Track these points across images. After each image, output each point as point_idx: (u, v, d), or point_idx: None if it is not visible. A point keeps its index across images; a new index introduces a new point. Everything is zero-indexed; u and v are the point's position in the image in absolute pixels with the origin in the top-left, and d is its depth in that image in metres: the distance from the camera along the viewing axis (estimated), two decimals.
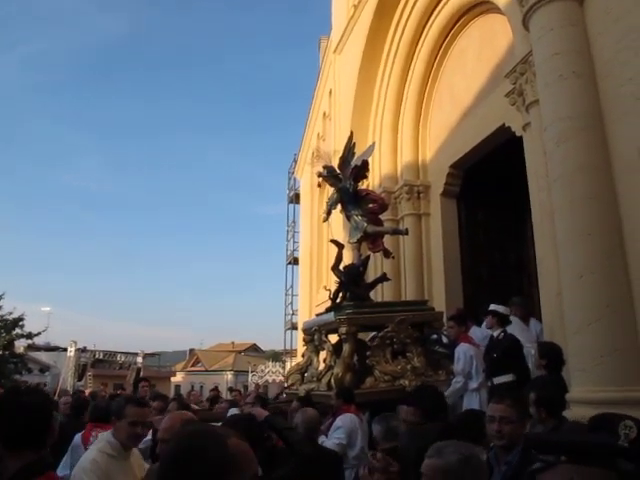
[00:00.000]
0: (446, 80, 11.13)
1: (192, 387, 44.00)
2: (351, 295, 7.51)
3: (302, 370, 7.95)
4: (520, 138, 7.73)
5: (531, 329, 7.19)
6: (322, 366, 7.43)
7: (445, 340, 7.35)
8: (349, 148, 7.95)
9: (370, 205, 8.06)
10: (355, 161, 7.86)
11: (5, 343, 25.62)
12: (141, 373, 29.09)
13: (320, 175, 8.26)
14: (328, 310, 7.58)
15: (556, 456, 1.49)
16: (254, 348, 61.20)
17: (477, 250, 10.77)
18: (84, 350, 32.52)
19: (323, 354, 7.60)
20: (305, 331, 8.23)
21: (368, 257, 8.21)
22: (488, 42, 9.50)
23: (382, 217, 11.44)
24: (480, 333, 7.31)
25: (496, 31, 9.19)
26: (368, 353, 6.90)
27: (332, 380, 6.55)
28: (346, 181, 7.78)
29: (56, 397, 13.05)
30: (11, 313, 26.70)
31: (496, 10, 8.79)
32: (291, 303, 21.04)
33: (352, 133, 8.39)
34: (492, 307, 6.54)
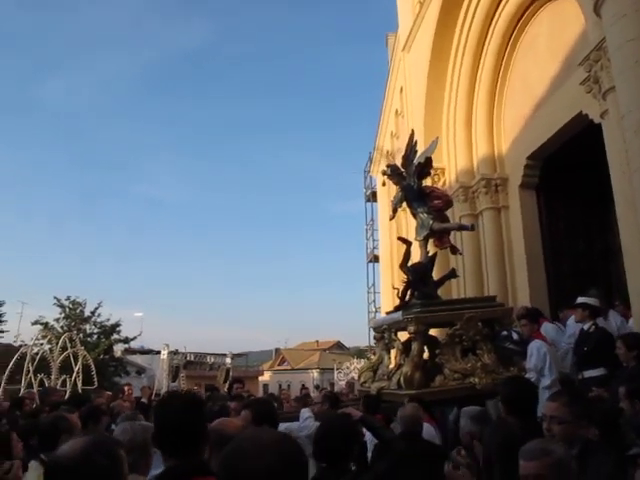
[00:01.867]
0: (518, 71, 10.95)
1: (280, 386, 44.99)
2: (419, 293, 7.40)
3: (374, 368, 7.93)
4: (599, 125, 7.55)
5: (610, 322, 6.95)
6: (393, 364, 7.46)
7: (515, 336, 7.20)
8: (411, 146, 7.94)
9: (435, 202, 7.91)
10: (418, 158, 7.82)
11: (105, 348, 27.22)
12: (230, 373, 30.03)
13: (384, 174, 8.32)
14: (397, 309, 7.57)
15: None
16: (338, 345, 61.66)
17: (560, 241, 10.54)
18: (176, 352, 34.01)
19: (394, 352, 7.61)
20: (375, 329, 8.23)
21: (435, 254, 8.09)
22: (559, 29, 9.29)
23: (460, 212, 11.51)
24: (552, 329, 7.22)
25: (567, 18, 8.97)
26: (437, 351, 6.91)
27: (401, 379, 6.50)
28: (410, 179, 7.76)
29: (152, 397, 13.84)
30: (108, 319, 28.42)
31: None
32: (374, 301, 21.19)
33: (413, 131, 8.32)
34: (581, 300, 6.44)
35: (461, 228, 8.98)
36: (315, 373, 50.55)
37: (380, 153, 19.52)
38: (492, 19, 11.02)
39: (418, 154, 7.89)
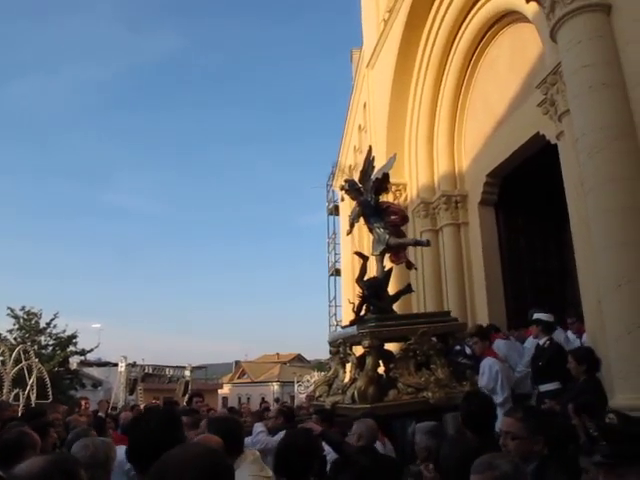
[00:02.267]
0: (479, 90, 11.22)
1: (239, 399, 44.55)
2: (374, 308, 7.44)
3: (329, 382, 7.94)
4: (556, 146, 7.78)
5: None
6: (347, 378, 7.44)
7: (468, 351, 7.35)
8: (369, 161, 8.03)
9: (392, 217, 8.00)
10: (376, 174, 7.90)
11: (60, 360, 26.52)
12: (189, 386, 29.59)
13: (342, 189, 8.37)
14: (352, 323, 7.60)
15: None
16: (299, 358, 61.49)
17: (518, 257, 10.80)
18: (134, 365, 33.33)
19: (349, 366, 7.62)
20: (331, 344, 8.20)
21: (391, 269, 8.15)
22: (519, 51, 9.57)
23: (421, 227, 11.68)
24: (504, 346, 7.35)
25: (526, 40, 9.25)
26: (392, 365, 6.91)
27: (355, 393, 6.51)
28: (367, 194, 7.81)
29: (109, 411, 13.54)
30: (64, 331, 27.71)
31: (526, 19, 8.88)
32: (335, 314, 21.25)
33: (370, 147, 8.44)
34: (536, 316, 6.61)
35: (417, 244, 9.06)
36: (275, 386, 50.26)
37: (342, 168, 19.68)
38: (454, 40, 11.29)
39: (376, 170, 7.99)
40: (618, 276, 5.14)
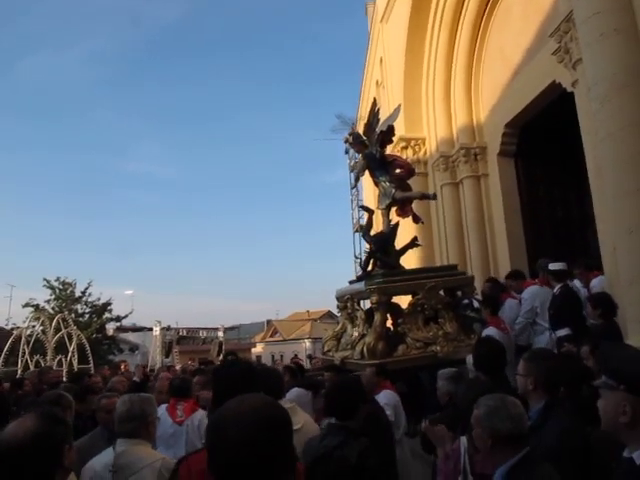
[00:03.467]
0: (494, 40, 11.09)
1: (272, 357, 45.57)
2: (381, 263, 7.36)
3: (338, 336, 7.91)
4: (573, 94, 7.74)
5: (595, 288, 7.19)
6: (356, 333, 7.36)
7: (476, 304, 7.28)
8: (374, 114, 7.84)
9: (397, 171, 7.88)
10: (380, 126, 7.72)
11: (97, 327, 27.51)
12: (223, 346, 30.42)
13: (346, 141, 8.07)
14: (359, 279, 7.52)
15: (618, 383, 1.82)
16: (329, 315, 62.07)
17: (538, 207, 10.83)
18: (168, 329, 34.32)
19: (357, 321, 7.53)
20: (338, 299, 8.09)
21: (397, 224, 8.02)
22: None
23: (440, 181, 11.75)
24: (509, 309, 7.14)
25: None
26: (400, 320, 6.91)
27: (364, 349, 6.50)
28: (372, 147, 7.66)
29: (148, 372, 14.16)
30: (99, 299, 28.67)
31: None
32: (358, 270, 21.50)
33: (375, 100, 8.27)
34: (550, 266, 6.75)
35: (424, 197, 8.89)
36: (307, 343, 51.15)
37: (345, 120, 19.61)
38: None
39: (381, 122, 7.81)
40: (630, 223, 5.23)
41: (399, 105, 8.74)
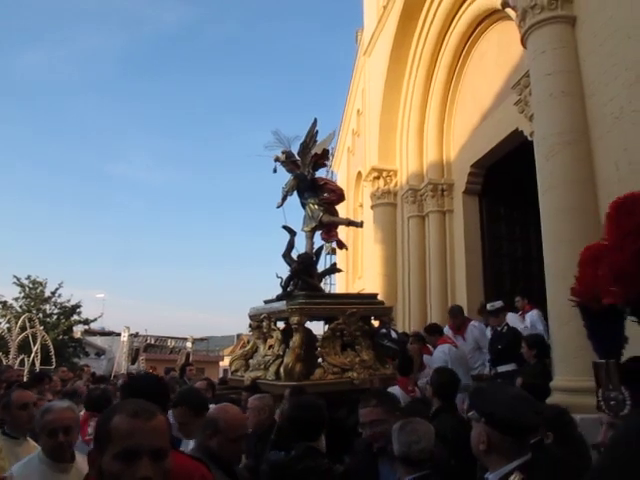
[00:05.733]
0: (468, 83, 11.64)
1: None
2: (303, 284, 7.21)
3: (246, 356, 7.76)
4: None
5: (526, 320, 7.70)
6: (269, 354, 7.22)
7: (394, 335, 7.44)
8: (312, 135, 7.72)
9: (326, 195, 7.88)
10: (316, 148, 7.71)
11: (65, 328, 27.31)
12: (190, 357, 30.42)
13: (277, 160, 7.81)
14: (279, 298, 7.35)
15: (480, 416, 2.18)
16: None
17: (499, 244, 11.31)
18: (136, 335, 34.25)
19: (270, 342, 7.41)
20: (252, 317, 7.89)
21: (321, 247, 8.03)
22: (505, 48, 9.96)
23: (408, 213, 12.20)
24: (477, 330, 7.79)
25: (512, 38, 9.56)
26: (318, 344, 6.85)
27: (281, 369, 6.46)
28: (305, 168, 7.63)
29: (112, 379, 14.29)
30: (69, 300, 28.48)
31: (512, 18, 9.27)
32: (329, 291, 21.86)
33: (315, 120, 7.96)
34: (488, 307, 7.23)
35: (350, 223, 8.90)
36: None
37: (343, 149, 20.14)
38: (446, 32, 11.67)
39: (317, 145, 7.79)
40: (564, 268, 5.65)
41: (333, 131, 8.82)
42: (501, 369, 7.00)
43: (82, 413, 4.47)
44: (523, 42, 6.84)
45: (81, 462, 2.83)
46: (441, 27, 11.73)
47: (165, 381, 3.99)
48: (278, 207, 7.83)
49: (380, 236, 13.18)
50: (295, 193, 7.80)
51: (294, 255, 7.57)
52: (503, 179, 11.00)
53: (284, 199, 7.75)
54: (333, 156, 21.47)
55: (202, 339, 43.41)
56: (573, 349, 5.48)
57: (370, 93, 14.48)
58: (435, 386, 4.49)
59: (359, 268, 17.76)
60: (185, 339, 37.93)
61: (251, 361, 7.51)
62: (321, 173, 21.90)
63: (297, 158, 7.71)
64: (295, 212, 8.08)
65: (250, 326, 7.99)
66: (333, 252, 21.57)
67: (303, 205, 7.82)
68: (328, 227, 7.85)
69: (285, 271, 7.59)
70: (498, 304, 7.41)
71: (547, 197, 6.05)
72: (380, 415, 3.23)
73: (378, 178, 13.15)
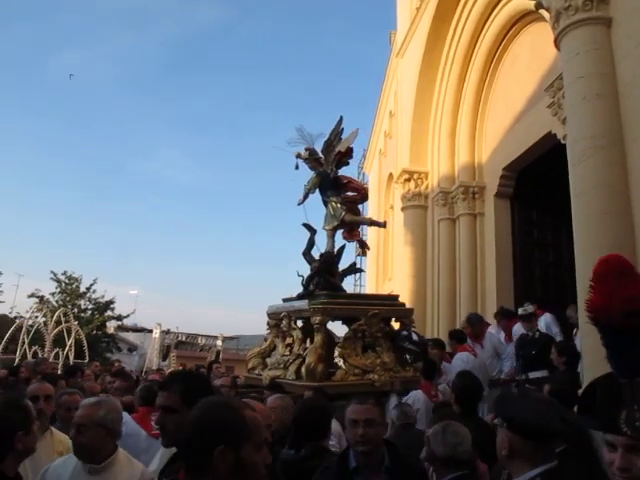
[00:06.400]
0: (500, 84, 11.52)
1: None
2: (325, 283, 7.14)
3: (264, 354, 7.68)
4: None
5: (540, 325, 7.56)
6: (287, 353, 7.15)
7: (415, 337, 7.34)
8: (337, 132, 7.65)
9: (350, 193, 7.83)
10: (340, 146, 7.62)
11: (99, 324, 27.92)
12: (220, 355, 30.74)
13: (299, 156, 7.68)
14: (300, 297, 7.28)
15: (502, 422, 2.18)
16: None
17: (530, 249, 11.15)
18: (168, 332, 34.79)
19: (288, 340, 7.31)
20: (271, 315, 7.79)
21: (343, 246, 7.88)
22: (538, 50, 9.84)
23: (439, 215, 12.13)
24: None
25: (545, 40, 9.45)
26: (339, 345, 6.84)
27: (303, 369, 6.38)
28: (328, 166, 7.55)
29: (143, 375, 14.56)
30: (103, 296, 29.12)
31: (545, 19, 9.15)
32: (360, 291, 21.84)
33: (341, 117, 7.82)
34: (520, 311, 7.13)
35: (373, 223, 8.83)
36: None
37: (374, 150, 20.10)
38: (479, 35, 11.58)
39: (342, 143, 7.70)
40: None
41: (356, 129, 8.45)
42: (533, 375, 6.90)
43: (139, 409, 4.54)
44: (557, 44, 6.75)
45: (124, 460, 2.81)
46: (474, 29, 11.63)
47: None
48: (299, 204, 7.71)
49: (410, 238, 13.12)
50: (317, 191, 7.74)
51: (315, 254, 7.53)
52: (535, 182, 10.86)
53: (306, 197, 7.65)
54: (365, 157, 21.50)
55: (232, 337, 43.79)
56: (602, 357, 5.39)
57: (402, 95, 14.43)
58: (457, 391, 4.47)
59: (389, 270, 17.68)
60: (215, 337, 38.33)
61: (268, 359, 7.46)
62: (352, 174, 21.94)
63: (320, 156, 7.63)
64: (316, 210, 8.04)
65: (268, 324, 7.91)
66: (364, 254, 21.61)
67: (325, 203, 7.74)
68: (350, 226, 7.79)
69: (305, 269, 7.55)
70: (530, 308, 7.29)
71: (578, 202, 5.97)
72: (376, 416, 2.95)
73: (409, 180, 13.10)
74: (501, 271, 10.86)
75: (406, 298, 12.36)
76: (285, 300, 7.75)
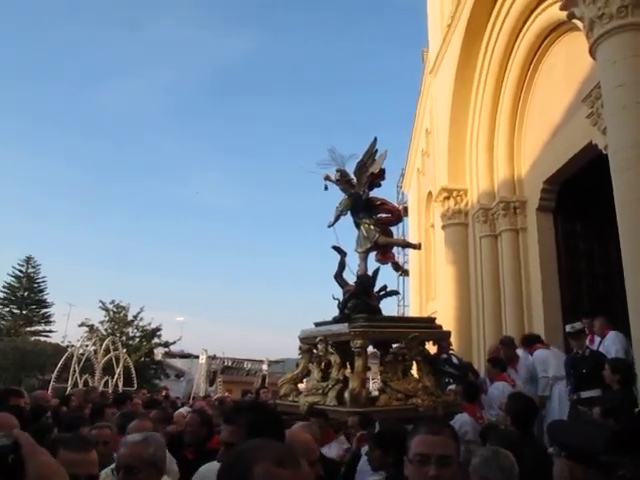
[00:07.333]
0: (537, 96, 11.34)
1: None
2: (364, 305, 7.00)
3: (296, 380, 7.55)
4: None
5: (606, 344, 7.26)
6: (317, 378, 7.05)
7: (455, 360, 7.19)
8: (371, 154, 7.52)
9: (383, 215, 7.72)
10: (373, 168, 7.51)
11: (146, 351, 28.41)
12: (267, 380, 30.76)
13: (328, 179, 7.58)
14: (336, 320, 7.14)
15: (560, 450, 2.11)
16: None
17: (576, 262, 10.82)
18: (214, 357, 35.04)
19: (321, 366, 7.18)
20: (304, 340, 7.63)
21: (378, 268, 7.74)
22: (574, 60, 9.65)
23: (480, 233, 11.93)
24: (541, 354, 7.48)
25: (581, 49, 9.28)
26: (381, 369, 6.74)
27: (346, 395, 6.23)
28: (360, 187, 7.45)
29: (190, 401, 14.67)
30: (150, 323, 29.66)
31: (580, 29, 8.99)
32: (402, 313, 21.62)
33: (375, 139, 7.66)
34: (567, 328, 6.88)
35: (407, 245, 8.71)
36: None
37: (412, 169, 20.02)
38: (513, 47, 11.46)
39: (375, 164, 7.59)
40: None
41: (385, 151, 8.18)
42: (584, 395, 6.64)
43: None
44: (592, 53, 6.63)
45: None
46: (507, 42, 11.52)
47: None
48: (330, 226, 7.61)
49: (452, 257, 12.93)
50: (349, 213, 7.67)
51: (347, 277, 7.47)
52: (578, 194, 10.58)
53: (337, 218, 7.55)
54: (403, 176, 21.42)
55: (277, 361, 43.82)
56: None
57: (437, 112, 14.37)
58: (512, 413, 4.32)
59: (432, 289, 17.46)
60: (261, 361, 38.38)
61: (301, 385, 7.41)
62: (391, 193, 21.81)
63: (352, 177, 7.56)
64: (345, 232, 7.95)
65: (300, 349, 7.75)
66: (406, 274, 21.40)
67: (357, 225, 7.64)
68: (384, 249, 7.69)
69: (337, 292, 7.46)
70: (578, 325, 7.05)
71: (623, 213, 5.79)
72: (453, 451, 2.14)
73: (448, 198, 12.96)
74: (547, 286, 10.57)
75: (450, 317, 12.21)
76: (317, 324, 7.65)
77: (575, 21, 8.34)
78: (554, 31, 10.39)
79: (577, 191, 10.53)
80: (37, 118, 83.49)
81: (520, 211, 11.35)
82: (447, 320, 12.14)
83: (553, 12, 9.92)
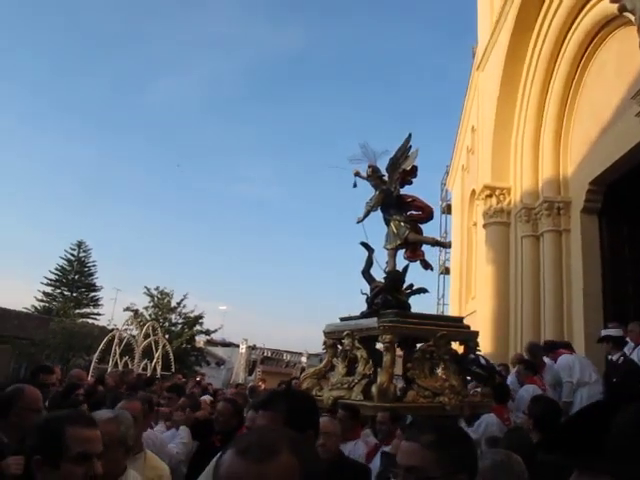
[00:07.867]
0: (586, 94, 10.98)
1: None
2: (394, 300, 6.90)
3: (319, 375, 7.48)
4: None
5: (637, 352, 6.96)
6: (343, 372, 6.97)
7: (482, 361, 7.07)
8: (404, 150, 7.42)
9: (414, 212, 7.61)
10: (405, 165, 7.41)
11: (188, 338, 28.89)
12: (305, 372, 30.82)
13: (358, 175, 7.44)
14: (364, 315, 7.09)
15: None
16: None
17: (621, 267, 10.45)
18: (254, 348, 35.42)
19: (347, 360, 7.05)
20: (329, 334, 7.56)
21: (407, 265, 7.63)
22: (627, 56, 9.29)
23: (522, 232, 11.67)
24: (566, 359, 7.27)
25: (635, 45, 8.96)
26: (409, 365, 6.65)
27: (374, 389, 6.18)
28: (392, 183, 7.36)
29: (226, 389, 14.90)
30: (193, 311, 30.13)
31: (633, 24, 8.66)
32: (442, 311, 21.33)
33: (410, 135, 7.50)
34: (604, 332, 6.64)
35: (437, 243, 8.51)
36: None
37: (457, 166, 19.71)
38: (562, 44, 11.13)
39: (408, 161, 7.48)
40: None
41: (417, 149, 7.89)
42: None
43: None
44: None
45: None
46: (557, 38, 11.20)
47: None
48: (359, 222, 7.52)
49: (492, 256, 12.69)
50: (379, 209, 7.58)
51: (375, 273, 7.38)
52: (626, 196, 10.22)
53: (367, 214, 7.47)
54: (448, 174, 21.13)
55: (316, 354, 43.97)
56: None
57: (483, 108, 14.09)
58: (534, 417, 4.20)
59: (472, 288, 17.18)
60: (300, 354, 38.57)
61: (325, 380, 7.32)
62: (435, 191, 21.54)
63: (383, 173, 7.48)
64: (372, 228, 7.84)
65: (324, 343, 7.72)
66: (447, 272, 21.10)
67: (387, 222, 7.57)
68: (413, 246, 7.58)
69: (365, 288, 7.41)
70: (614, 331, 6.79)
71: None
72: (426, 463, 1.60)
73: (491, 196, 12.70)
74: (589, 290, 10.25)
75: (488, 317, 12.01)
76: (343, 319, 7.58)
77: (627, 14, 8.07)
78: (607, 25, 10.03)
79: (624, 193, 10.18)
80: (100, 121, 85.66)
81: (564, 212, 11.04)
82: (484, 320, 11.96)
83: (604, 6, 9.58)
